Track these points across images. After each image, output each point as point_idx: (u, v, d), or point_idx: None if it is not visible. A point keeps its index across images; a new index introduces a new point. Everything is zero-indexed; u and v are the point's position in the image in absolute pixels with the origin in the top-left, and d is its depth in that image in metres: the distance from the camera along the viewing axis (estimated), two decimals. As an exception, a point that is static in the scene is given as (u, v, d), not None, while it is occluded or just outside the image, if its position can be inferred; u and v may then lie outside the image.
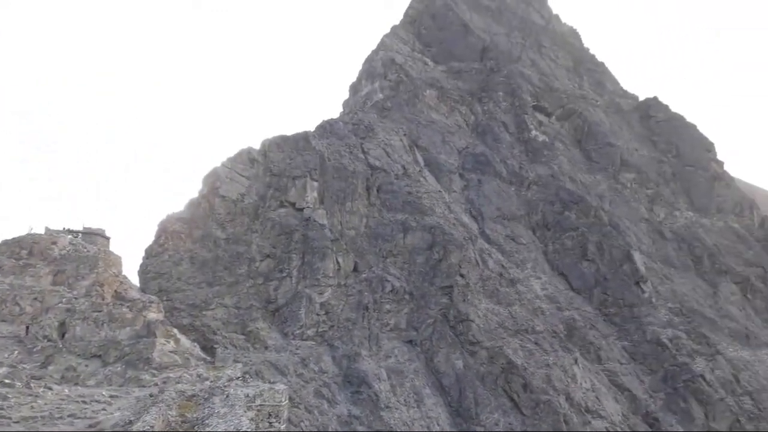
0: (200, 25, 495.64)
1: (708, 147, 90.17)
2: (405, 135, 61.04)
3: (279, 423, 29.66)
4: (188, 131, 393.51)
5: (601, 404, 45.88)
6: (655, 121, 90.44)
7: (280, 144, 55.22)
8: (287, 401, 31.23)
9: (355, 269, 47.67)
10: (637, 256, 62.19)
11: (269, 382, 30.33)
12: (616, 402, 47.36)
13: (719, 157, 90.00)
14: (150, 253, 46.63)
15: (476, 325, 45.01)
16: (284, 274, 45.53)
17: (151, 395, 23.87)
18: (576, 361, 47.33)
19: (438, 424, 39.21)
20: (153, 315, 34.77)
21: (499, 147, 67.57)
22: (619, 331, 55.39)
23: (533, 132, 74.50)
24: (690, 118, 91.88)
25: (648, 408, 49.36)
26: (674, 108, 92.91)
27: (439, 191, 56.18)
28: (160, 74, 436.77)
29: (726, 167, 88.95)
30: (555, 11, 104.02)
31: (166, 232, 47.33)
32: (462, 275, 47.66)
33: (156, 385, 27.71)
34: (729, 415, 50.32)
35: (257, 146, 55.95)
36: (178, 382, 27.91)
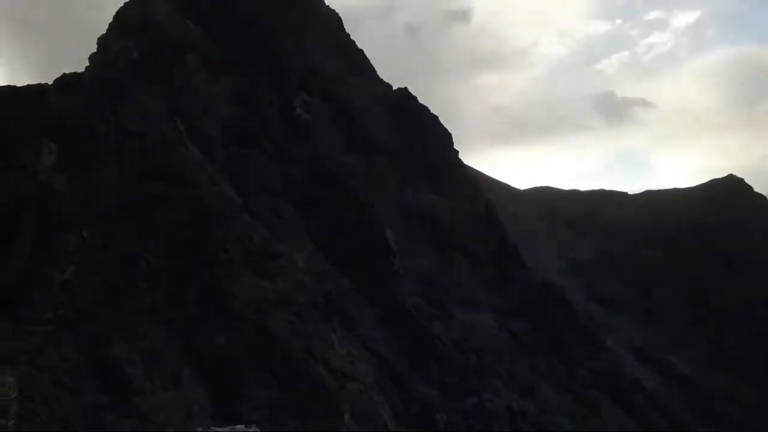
0: None
1: (447, 137, 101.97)
2: (163, 100, 56.73)
3: (6, 419, 26.04)
4: None
5: (356, 368, 49.22)
6: (405, 110, 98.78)
7: (7, 96, 46.70)
8: (16, 395, 27.43)
9: (104, 245, 43.03)
10: (389, 233, 67.89)
11: (-8, 377, 26.05)
12: (368, 365, 51.30)
13: (456, 146, 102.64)
14: None
15: (240, 301, 44.40)
16: (14, 250, 38.95)
17: None
18: (334, 330, 49.95)
19: (198, 405, 37.91)
20: None
21: (263, 122, 67.10)
22: (372, 300, 60.05)
23: (297, 110, 75.42)
24: (433, 110, 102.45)
25: (395, 369, 54.64)
26: (421, 100, 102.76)
27: (202, 163, 53.67)
28: None
29: (461, 156, 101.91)
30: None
31: None
32: (226, 250, 46.47)
33: None
34: (459, 370, 58.46)
35: (-27, 97, 46.45)
36: None
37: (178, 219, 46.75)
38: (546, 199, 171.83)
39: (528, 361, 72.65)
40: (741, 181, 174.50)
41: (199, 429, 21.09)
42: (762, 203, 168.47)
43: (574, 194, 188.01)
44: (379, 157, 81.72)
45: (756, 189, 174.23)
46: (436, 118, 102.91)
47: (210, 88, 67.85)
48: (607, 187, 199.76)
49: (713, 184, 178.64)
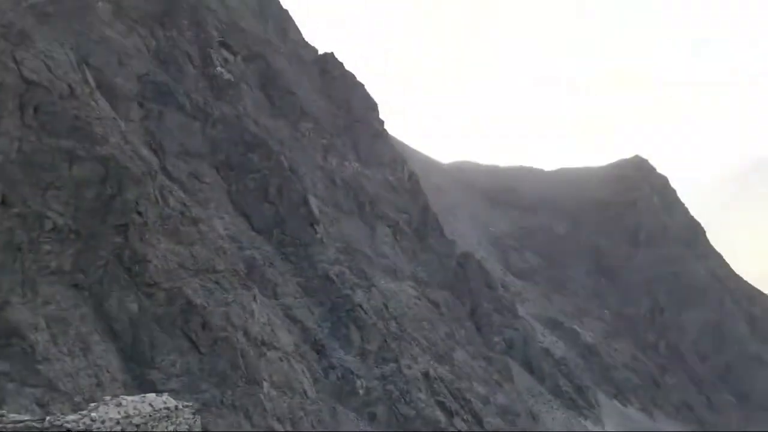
0: None
1: (373, 106, 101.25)
2: (72, 49, 52.07)
3: None
4: None
5: (276, 336, 48.39)
6: (331, 76, 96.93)
7: None
8: None
9: (4, 202, 39.40)
10: (313, 201, 66.80)
11: None
12: (289, 333, 50.63)
13: (381, 116, 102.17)
14: None
15: (154, 266, 42.15)
16: None
17: None
18: (254, 297, 48.70)
19: (108, 372, 35.89)
20: None
21: (182, 79, 63.45)
22: (295, 268, 59.10)
23: (218, 69, 71.93)
24: (360, 77, 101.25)
25: (316, 336, 54.30)
26: (348, 66, 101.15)
27: (114, 119, 49.95)
28: None
29: (386, 126, 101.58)
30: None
31: None
32: (139, 213, 43.75)
33: None
34: (379, 338, 58.90)
35: None
36: None
37: (86, 177, 43.49)
38: (467, 172, 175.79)
39: (446, 328, 74.59)
40: (645, 161, 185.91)
41: (108, 397, 19.75)
42: (662, 182, 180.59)
43: (494, 169, 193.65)
44: (304, 123, 79.94)
45: (659, 170, 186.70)
46: (362, 85, 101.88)
47: (124, 40, 63.25)
48: (525, 164, 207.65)
49: (621, 163, 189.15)
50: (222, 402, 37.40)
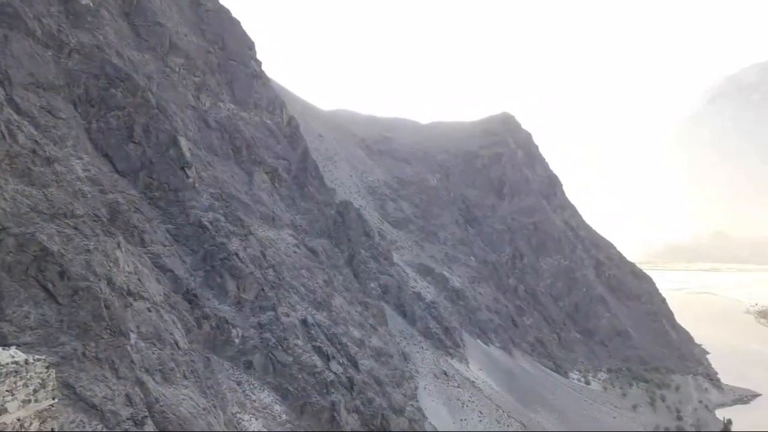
0: None
1: (249, 45, 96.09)
2: None
3: None
4: None
5: (144, 286, 45.51)
6: (204, 9, 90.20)
7: None
8: None
9: None
10: (183, 142, 62.58)
11: None
12: (158, 283, 47.83)
13: (258, 56, 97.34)
14: None
15: (2, 210, 37.39)
16: None
17: None
18: (119, 245, 45.18)
19: (-55, 328, 31.68)
20: None
21: (32, 0, 55.49)
22: (164, 214, 55.50)
23: (75, -9, 63.92)
24: (236, 13, 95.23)
25: (188, 286, 51.88)
26: (222, 1, 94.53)
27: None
28: None
29: (263, 67, 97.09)
30: None
31: None
32: (-20, 149, 38.38)
33: None
34: (256, 286, 57.70)
35: None
36: None
37: None
38: (346, 121, 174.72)
39: (324, 276, 74.80)
40: (512, 117, 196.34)
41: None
42: (526, 138, 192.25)
43: (372, 119, 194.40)
44: (174, 58, 74.02)
45: (523, 126, 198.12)
46: (238, 22, 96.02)
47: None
48: (401, 116, 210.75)
49: (490, 119, 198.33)
50: (84, 355, 34.62)
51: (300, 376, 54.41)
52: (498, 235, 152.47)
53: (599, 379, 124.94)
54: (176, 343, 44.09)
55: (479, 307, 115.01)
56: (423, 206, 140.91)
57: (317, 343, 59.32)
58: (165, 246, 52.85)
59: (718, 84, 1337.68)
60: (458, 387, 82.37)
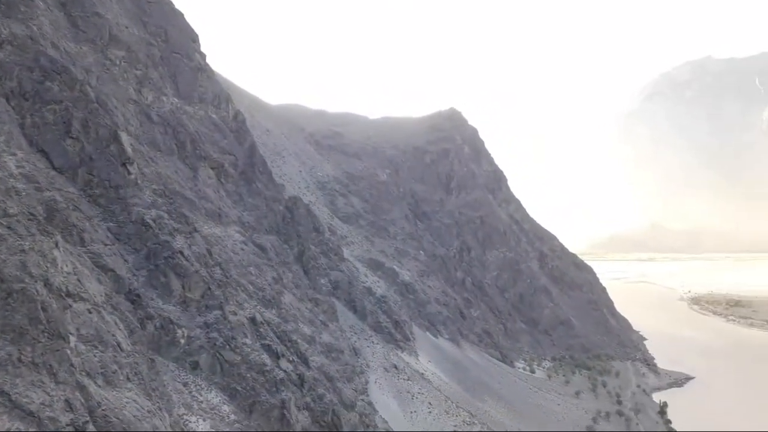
0: None
1: (193, 37, 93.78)
2: None
3: None
4: None
5: (84, 286, 43.98)
6: (146, 0, 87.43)
7: None
8: None
9: None
10: (125, 137, 60.65)
11: None
12: (99, 283, 46.30)
13: (202, 49, 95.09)
14: None
15: (-77, 209, 35.42)
16: None
17: None
18: (57, 244, 43.47)
19: None
20: None
21: (-46, -15, 52.48)
22: (105, 212, 53.71)
23: (4, -22, 60.78)
24: (179, 5, 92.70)
25: (131, 286, 50.42)
26: None
27: None
28: None
29: (208, 60, 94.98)
30: None
31: None
32: None
33: None
34: (202, 285, 56.58)
35: None
36: None
37: None
38: (295, 115, 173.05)
39: (273, 273, 74.09)
40: (459, 113, 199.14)
41: None
42: (472, 133, 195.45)
43: (321, 114, 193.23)
44: (114, 50, 71.46)
45: (470, 122, 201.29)
46: (181, 14, 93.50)
47: None
48: (351, 111, 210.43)
49: (437, 114, 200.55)
50: (20, 360, 33.23)
51: (249, 375, 53.80)
52: (446, 229, 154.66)
53: (544, 368, 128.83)
54: (119, 344, 42.82)
55: (428, 300, 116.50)
56: (373, 201, 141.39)
57: (266, 341, 58.76)
58: (106, 245, 51.16)
59: (654, 81, 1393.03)
60: (408, 380, 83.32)
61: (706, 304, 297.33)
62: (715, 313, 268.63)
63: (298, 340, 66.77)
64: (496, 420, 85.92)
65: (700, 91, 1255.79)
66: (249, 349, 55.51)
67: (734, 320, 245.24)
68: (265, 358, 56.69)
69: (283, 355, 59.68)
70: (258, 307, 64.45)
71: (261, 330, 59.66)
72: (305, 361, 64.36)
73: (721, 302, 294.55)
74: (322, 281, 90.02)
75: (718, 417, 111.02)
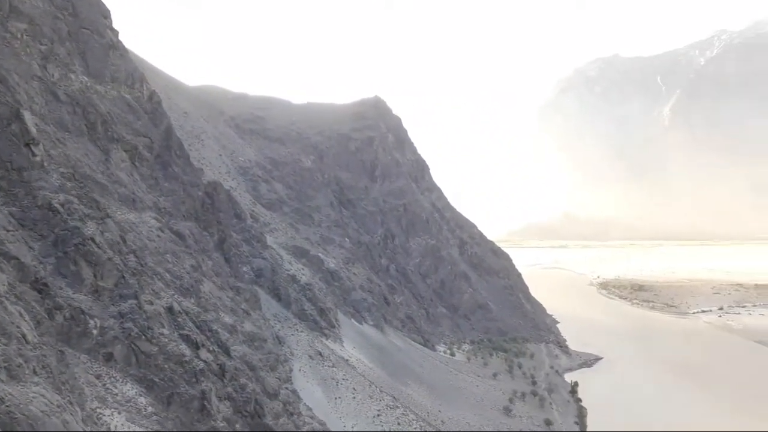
0: None
1: (104, 13, 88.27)
2: None
3: None
4: None
5: (-17, 276, 40.80)
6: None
7: None
8: None
9: None
10: (28, 116, 56.32)
11: None
12: (1, 272, 43.00)
13: (115, 25, 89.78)
14: None
15: None
16: None
17: None
18: (-50, 231, 40.01)
19: None
20: None
21: None
22: (6, 196, 49.78)
23: None
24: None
25: (37, 274, 47.15)
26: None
27: None
28: None
29: (121, 37, 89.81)
30: None
31: None
32: None
33: None
34: (116, 273, 53.77)
35: None
36: None
37: None
38: (214, 98, 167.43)
39: (192, 261, 71.61)
40: (383, 102, 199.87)
41: None
42: (396, 123, 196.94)
43: (242, 97, 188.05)
44: (16, 23, 66.06)
45: (394, 111, 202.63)
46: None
47: None
48: (274, 95, 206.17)
49: (361, 102, 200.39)
50: None
51: (166, 366, 51.89)
52: (371, 217, 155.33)
53: (463, 351, 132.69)
54: (24, 336, 40.02)
55: (353, 288, 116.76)
56: (297, 188, 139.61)
57: (185, 331, 56.84)
58: (9, 231, 47.50)
59: (568, 76, 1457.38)
60: (333, 366, 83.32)
61: (613, 288, 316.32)
62: (621, 297, 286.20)
63: (219, 330, 65.08)
64: (418, 403, 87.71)
65: (609, 86, 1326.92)
66: (166, 340, 53.49)
67: (638, 303, 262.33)
68: (184, 348, 54.85)
69: (202, 345, 57.98)
70: (176, 296, 62.20)
71: (179, 320, 57.62)
72: (226, 351, 62.86)
73: (627, 287, 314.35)
74: (245, 269, 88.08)
75: (623, 394, 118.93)
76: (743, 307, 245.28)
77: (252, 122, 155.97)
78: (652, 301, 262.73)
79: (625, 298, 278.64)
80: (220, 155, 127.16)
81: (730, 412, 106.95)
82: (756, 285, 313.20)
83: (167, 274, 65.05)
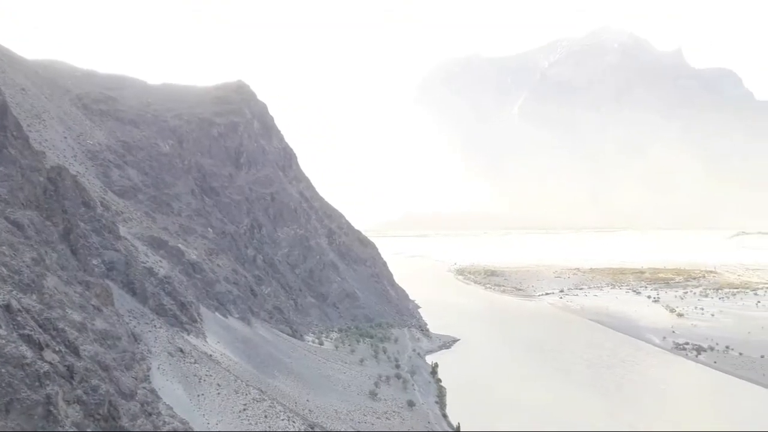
0: None
1: None
2: None
3: None
4: None
5: None
6: None
7: None
8: None
9: None
10: None
11: None
12: None
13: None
14: None
15: None
16: None
17: None
18: None
19: None
20: None
21: None
22: None
23: None
24: None
25: None
26: None
27: None
28: None
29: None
30: None
31: None
32: None
33: None
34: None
35: None
36: None
37: None
38: (58, 74, 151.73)
39: (33, 253, 64.42)
40: (247, 86, 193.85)
41: None
42: (262, 109, 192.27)
43: (91, 74, 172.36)
44: None
45: (259, 97, 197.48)
46: None
47: None
48: (126, 74, 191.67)
49: (224, 86, 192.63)
50: None
51: (4, 370, 46.31)
52: (236, 206, 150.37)
53: (331, 339, 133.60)
54: None
55: (217, 280, 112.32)
56: (154, 174, 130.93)
57: (26, 331, 51.02)
58: None
59: (431, 73, 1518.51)
60: (195, 363, 79.67)
61: (469, 274, 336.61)
62: (475, 282, 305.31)
63: (66, 328, 59.30)
64: (285, 394, 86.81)
65: (467, 83, 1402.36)
66: (3, 341, 47.66)
67: (490, 287, 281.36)
68: (24, 350, 49.23)
69: (47, 346, 52.45)
70: (14, 292, 55.65)
71: (18, 318, 51.60)
72: (75, 351, 57.47)
73: (481, 272, 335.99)
74: (95, 262, 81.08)
75: (478, 371, 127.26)
76: (580, 289, 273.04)
77: (102, 102, 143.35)
78: (503, 285, 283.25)
79: (479, 283, 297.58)
80: (65, 137, 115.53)
81: (567, 377, 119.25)
82: (591, 269, 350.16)
83: (3, 269, 57.99)
